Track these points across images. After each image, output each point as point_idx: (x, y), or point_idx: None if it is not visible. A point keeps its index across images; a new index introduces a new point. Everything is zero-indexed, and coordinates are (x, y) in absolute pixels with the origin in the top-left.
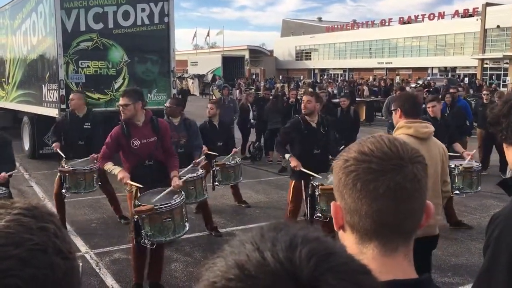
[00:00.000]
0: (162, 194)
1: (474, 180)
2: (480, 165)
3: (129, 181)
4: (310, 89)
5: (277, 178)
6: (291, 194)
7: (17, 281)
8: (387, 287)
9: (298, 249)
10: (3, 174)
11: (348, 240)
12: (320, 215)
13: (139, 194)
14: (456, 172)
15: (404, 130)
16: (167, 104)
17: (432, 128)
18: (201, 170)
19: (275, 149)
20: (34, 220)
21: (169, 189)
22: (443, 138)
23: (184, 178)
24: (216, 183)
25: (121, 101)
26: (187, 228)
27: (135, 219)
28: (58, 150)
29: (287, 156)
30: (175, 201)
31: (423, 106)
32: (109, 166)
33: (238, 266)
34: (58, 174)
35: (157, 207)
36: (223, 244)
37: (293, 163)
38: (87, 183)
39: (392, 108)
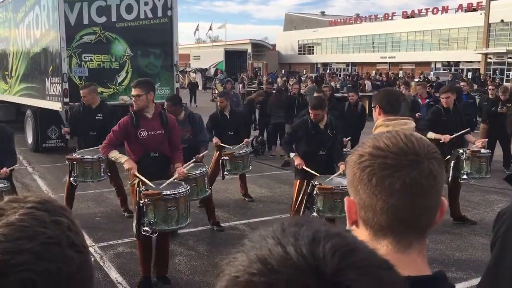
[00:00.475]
0: (166, 183)
1: (483, 165)
2: (490, 151)
3: (136, 173)
4: (315, 96)
5: (280, 173)
6: (296, 193)
7: (31, 275)
8: None
9: (321, 244)
10: (4, 169)
11: (361, 236)
12: (316, 214)
13: (141, 185)
14: (463, 157)
15: (382, 128)
16: (166, 107)
17: (412, 124)
18: (205, 167)
19: (282, 147)
20: (47, 214)
21: (174, 177)
22: (455, 128)
23: (188, 166)
24: (226, 173)
25: (134, 91)
26: (189, 221)
27: (140, 204)
28: (67, 135)
29: (292, 155)
30: (180, 190)
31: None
32: (114, 154)
33: (261, 260)
34: (69, 163)
35: (164, 193)
36: (227, 238)
37: (297, 161)
38: (94, 172)
39: (372, 105)
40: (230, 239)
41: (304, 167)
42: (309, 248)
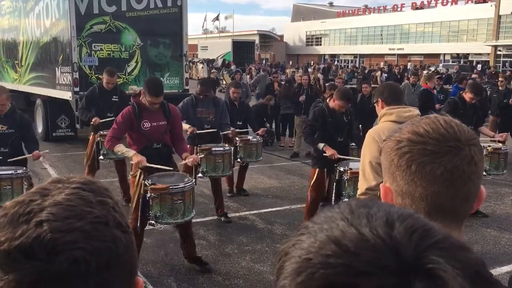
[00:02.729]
0: (174, 177)
1: (501, 162)
2: (507, 147)
3: (147, 164)
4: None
5: (289, 164)
6: (314, 182)
7: (83, 253)
8: None
9: (396, 225)
10: (37, 152)
11: None
12: (347, 200)
13: (142, 177)
14: (484, 153)
15: (386, 117)
16: (198, 92)
17: (416, 112)
18: (229, 147)
19: (306, 141)
20: (92, 194)
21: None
22: (470, 121)
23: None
24: (238, 160)
25: (159, 99)
26: (194, 214)
27: (147, 198)
28: (101, 121)
29: (321, 146)
30: (186, 183)
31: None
32: (120, 148)
33: (334, 242)
34: (91, 143)
35: (171, 187)
36: (237, 228)
37: (329, 152)
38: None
39: (374, 101)
40: (240, 229)
41: (339, 156)
42: (385, 229)
